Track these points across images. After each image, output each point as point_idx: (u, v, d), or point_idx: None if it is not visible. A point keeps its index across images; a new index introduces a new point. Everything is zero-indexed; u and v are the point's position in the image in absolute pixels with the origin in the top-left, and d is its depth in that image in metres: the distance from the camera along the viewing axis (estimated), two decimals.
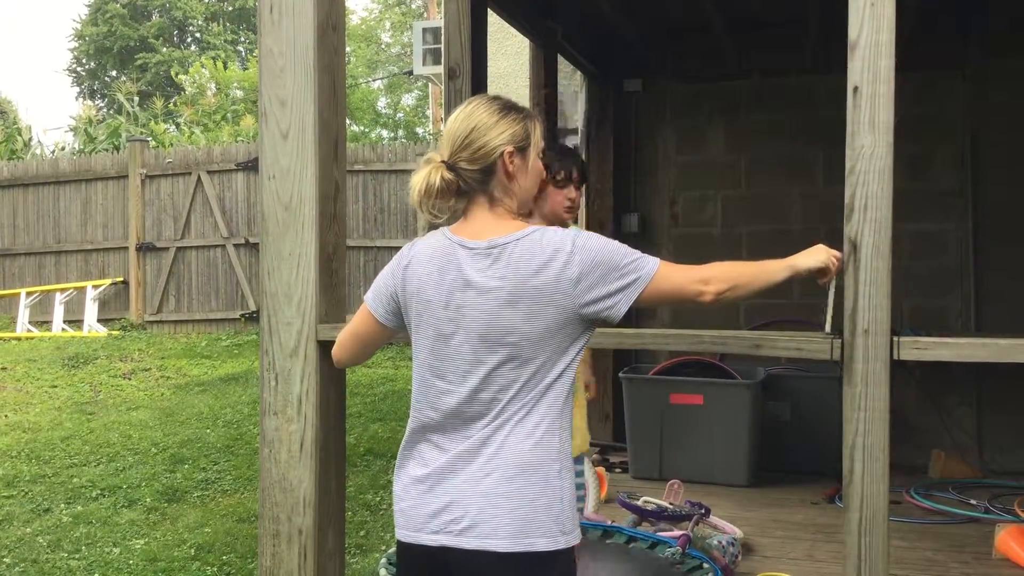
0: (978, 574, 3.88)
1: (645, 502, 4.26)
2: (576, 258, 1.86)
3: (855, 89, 2.14)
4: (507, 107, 2.03)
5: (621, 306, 1.88)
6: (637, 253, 1.92)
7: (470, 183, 1.98)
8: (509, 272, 1.87)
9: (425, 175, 1.97)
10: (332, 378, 2.68)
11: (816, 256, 2.16)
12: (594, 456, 5.72)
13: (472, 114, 1.99)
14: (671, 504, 4.29)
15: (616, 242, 1.92)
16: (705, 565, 3.36)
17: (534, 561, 1.83)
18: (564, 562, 1.88)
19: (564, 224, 3.31)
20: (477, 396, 1.87)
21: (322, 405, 2.63)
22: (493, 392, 1.87)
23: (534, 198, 3.15)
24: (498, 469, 1.84)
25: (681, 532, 3.82)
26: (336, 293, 2.71)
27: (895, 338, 2.12)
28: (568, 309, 1.86)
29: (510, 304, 1.85)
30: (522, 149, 2.00)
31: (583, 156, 6.43)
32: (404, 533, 1.93)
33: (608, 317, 1.89)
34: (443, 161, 1.99)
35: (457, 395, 1.89)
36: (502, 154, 1.97)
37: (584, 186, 3.28)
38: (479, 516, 1.83)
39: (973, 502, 4.80)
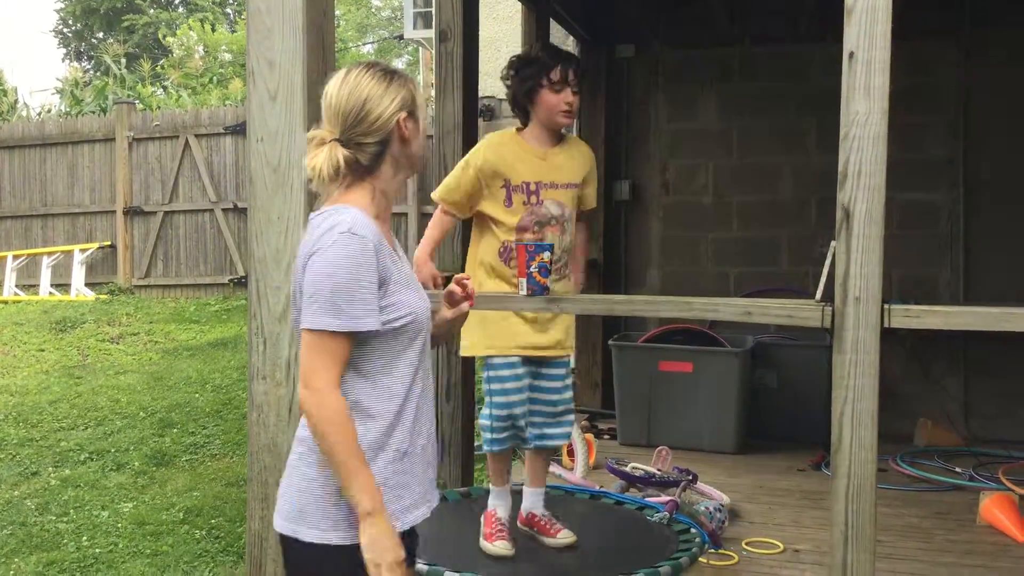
0: (962, 541, 3.92)
1: (633, 468, 4.28)
2: (311, 264, 1.83)
3: (851, 55, 2.12)
4: (388, 72, 1.97)
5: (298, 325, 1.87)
6: (324, 300, 1.79)
7: (366, 157, 1.93)
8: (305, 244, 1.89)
9: (327, 156, 1.89)
10: None
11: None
12: (583, 422, 5.74)
13: (358, 86, 1.92)
14: (659, 470, 4.31)
15: (341, 275, 1.79)
16: (692, 530, 3.38)
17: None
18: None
19: (560, 129, 3.21)
20: None
21: None
22: None
23: (531, 107, 3.10)
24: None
25: (669, 498, 3.84)
26: None
27: (886, 306, 2.12)
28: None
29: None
30: (412, 112, 1.96)
31: (575, 123, 6.39)
32: None
33: None
34: (336, 139, 1.91)
35: None
36: (398, 121, 1.93)
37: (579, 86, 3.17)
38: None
39: (958, 470, 4.84)
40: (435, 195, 3.26)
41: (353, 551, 1.80)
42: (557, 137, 3.23)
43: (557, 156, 3.18)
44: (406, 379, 1.92)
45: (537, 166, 3.14)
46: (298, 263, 1.91)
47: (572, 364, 3.40)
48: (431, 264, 3.24)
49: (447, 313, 2.19)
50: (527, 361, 3.19)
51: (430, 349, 2.05)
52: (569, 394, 3.31)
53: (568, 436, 3.38)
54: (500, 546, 3.19)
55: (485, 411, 3.22)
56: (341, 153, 1.90)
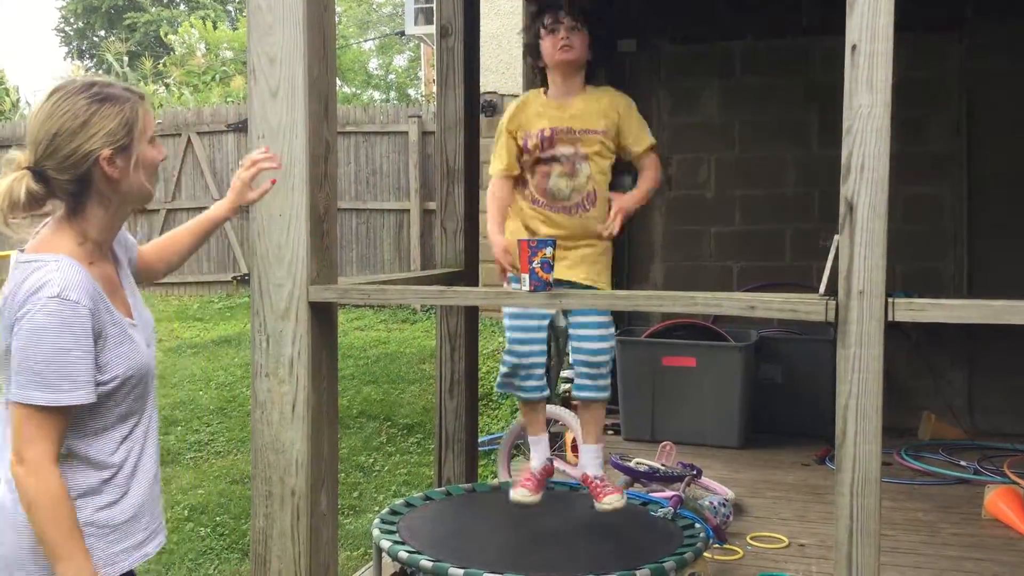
0: (967, 534, 3.91)
1: (637, 463, 4.28)
2: (18, 332, 1.67)
3: (853, 47, 2.11)
4: (99, 98, 1.73)
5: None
6: (33, 372, 1.65)
7: (63, 194, 1.74)
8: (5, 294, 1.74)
9: (8, 186, 1.69)
10: (324, 340, 2.67)
11: None
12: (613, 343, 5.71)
13: (54, 115, 1.69)
14: (663, 465, 4.31)
15: (50, 346, 1.66)
16: (697, 525, 3.37)
17: None
18: None
19: (568, 68, 3.12)
20: None
21: (314, 367, 2.62)
22: None
23: (542, 61, 3.08)
24: None
25: (673, 493, 3.84)
26: (327, 254, 2.68)
27: (890, 299, 2.11)
28: None
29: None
30: (124, 147, 1.75)
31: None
32: None
33: None
34: (29, 167, 1.71)
35: None
36: (98, 160, 1.72)
37: (584, 29, 3.10)
38: None
39: (963, 463, 4.84)
40: (491, 172, 3.25)
41: None
42: (579, 88, 3.18)
43: (576, 105, 3.13)
44: (125, 429, 1.84)
45: (554, 116, 3.12)
46: (4, 317, 1.72)
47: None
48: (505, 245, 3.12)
49: (252, 195, 2.23)
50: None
51: (155, 389, 1.97)
52: (606, 345, 3.13)
53: (607, 393, 3.24)
54: (519, 493, 3.16)
55: (504, 356, 3.20)
56: (28, 185, 1.70)
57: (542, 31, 3.12)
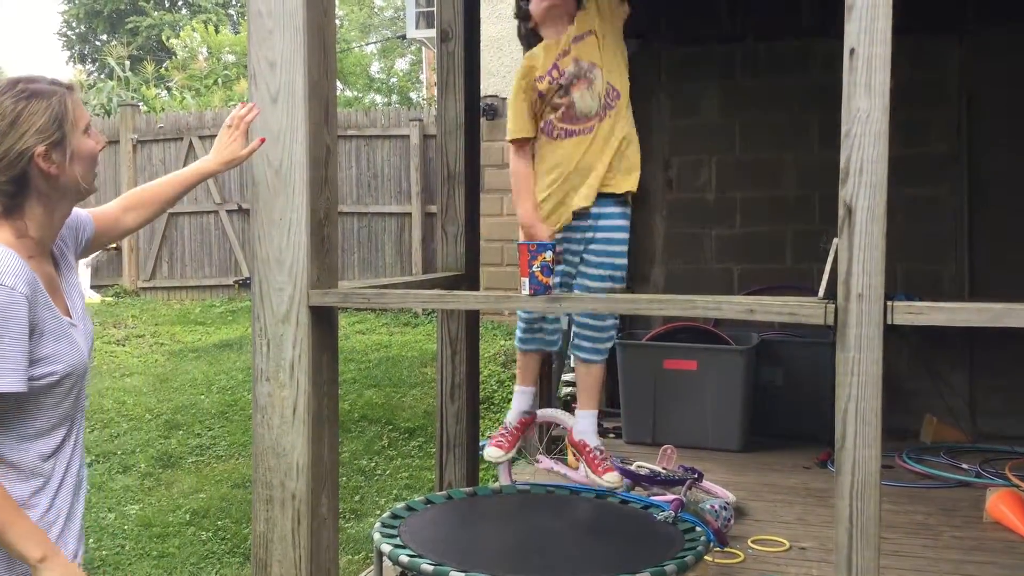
0: (969, 537, 3.91)
1: (638, 467, 4.28)
2: None
3: (851, 51, 2.12)
4: (25, 95, 1.70)
5: None
6: None
7: (2, 195, 1.70)
8: None
9: None
10: (324, 344, 2.67)
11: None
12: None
13: None
14: (664, 469, 4.31)
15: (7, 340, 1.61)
16: (698, 529, 3.37)
17: None
18: None
19: (553, 15, 3.16)
20: None
21: (314, 371, 2.62)
22: None
23: (544, 19, 3.12)
24: None
25: (674, 496, 3.84)
26: (328, 258, 2.69)
27: (889, 303, 2.11)
28: None
29: None
30: (57, 142, 1.72)
31: None
32: None
33: None
34: None
35: None
36: (32, 157, 1.69)
37: None
38: None
39: (964, 466, 4.83)
40: (509, 136, 3.26)
41: None
42: (568, 23, 3.20)
43: (569, 30, 3.17)
44: (59, 433, 1.79)
45: (554, 51, 3.16)
46: None
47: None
48: (542, 224, 3.11)
49: (243, 153, 2.29)
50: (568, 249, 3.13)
51: (86, 393, 1.92)
52: (604, 281, 3.16)
53: (604, 356, 3.22)
54: (491, 452, 3.20)
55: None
56: None
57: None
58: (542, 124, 3.18)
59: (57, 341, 1.74)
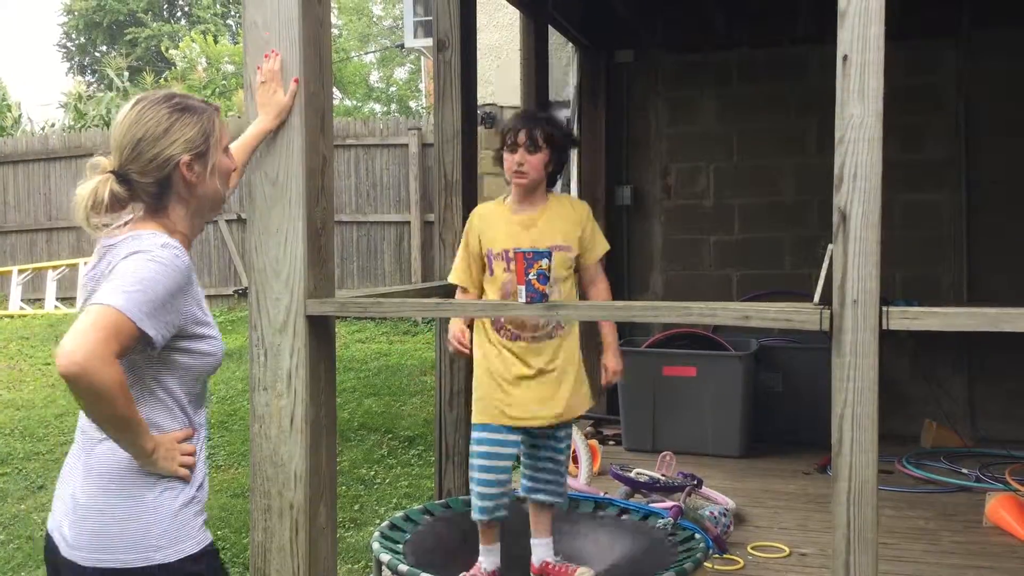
0: (969, 542, 3.91)
1: (638, 474, 4.28)
2: (126, 260, 1.76)
3: (844, 58, 2.12)
4: (180, 108, 1.86)
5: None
6: (127, 284, 1.70)
7: (145, 195, 1.84)
8: (102, 271, 1.80)
9: (93, 188, 1.80)
10: (322, 353, 2.68)
11: None
12: (587, 429, 5.74)
13: (139, 121, 1.82)
14: (663, 476, 4.31)
15: (152, 272, 1.73)
16: (697, 536, 3.37)
17: None
18: None
19: (517, 187, 3.16)
20: None
21: (312, 380, 2.62)
22: None
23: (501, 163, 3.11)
24: None
25: (673, 503, 3.84)
26: (325, 268, 2.69)
27: (884, 308, 2.11)
28: None
29: None
30: (201, 154, 1.87)
31: (575, 128, 6.40)
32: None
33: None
34: (113, 171, 1.83)
35: None
36: (178, 164, 1.84)
37: (546, 150, 3.14)
38: None
39: (964, 471, 4.83)
40: (450, 279, 3.32)
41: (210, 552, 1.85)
42: (540, 200, 3.19)
43: (538, 221, 3.16)
44: (202, 416, 1.96)
45: (516, 233, 3.13)
46: (105, 275, 1.79)
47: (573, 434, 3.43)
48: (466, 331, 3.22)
49: (285, 99, 2.46)
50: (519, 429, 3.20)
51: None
52: (563, 457, 3.29)
53: (558, 498, 3.29)
54: None
55: (471, 474, 3.24)
56: (112, 187, 1.81)
57: (504, 147, 3.16)
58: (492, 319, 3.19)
59: (214, 326, 1.91)
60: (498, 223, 3.18)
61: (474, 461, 3.20)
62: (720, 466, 5.04)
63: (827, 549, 3.69)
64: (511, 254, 3.09)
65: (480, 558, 3.27)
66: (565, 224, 3.18)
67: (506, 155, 3.15)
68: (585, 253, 3.21)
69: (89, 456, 1.82)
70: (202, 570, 1.84)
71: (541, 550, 3.29)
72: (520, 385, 3.14)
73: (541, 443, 3.24)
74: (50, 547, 1.84)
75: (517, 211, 3.20)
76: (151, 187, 1.84)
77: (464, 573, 3.24)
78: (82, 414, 1.84)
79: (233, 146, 2.35)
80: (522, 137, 3.11)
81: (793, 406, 5.48)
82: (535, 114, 3.40)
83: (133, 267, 1.73)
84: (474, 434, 3.21)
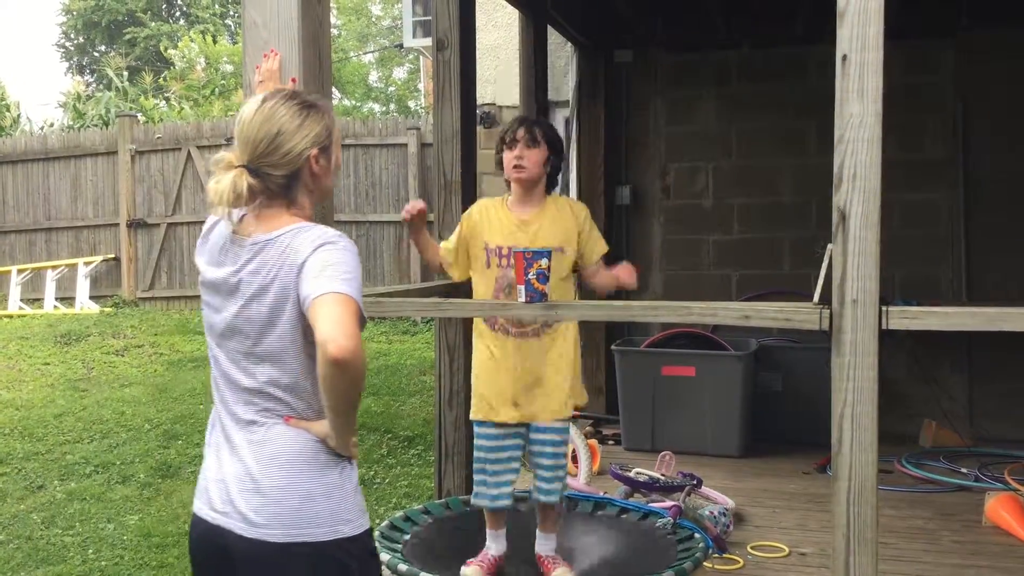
0: (968, 542, 3.91)
1: (637, 473, 4.28)
2: (320, 252, 1.84)
3: (843, 57, 2.13)
4: (306, 105, 1.96)
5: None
6: (345, 274, 1.82)
7: (274, 187, 1.92)
8: (265, 266, 1.88)
9: (231, 182, 1.88)
10: None
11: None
12: (587, 428, 5.74)
13: (272, 117, 1.91)
14: (663, 475, 4.31)
15: (353, 262, 1.86)
16: (697, 535, 3.37)
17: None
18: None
19: (521, 185, 3.19)
20: None
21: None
22: None
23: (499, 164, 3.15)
24: None
25: (673, 503, 3.84)
26: None
27: (884, 307, 2.12)
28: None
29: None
30: (325, 148, 1.97)
31: (574, 127, 6.40)
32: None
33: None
34: (244, 165, 1.91)
35: None
36: (308, 158, 1.93)
37: (542, 146, 3.18)
38: None
39: (963, 471, 4.83)
40: (441, 247, 3.34)
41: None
42: (539, 201, 3.23)
43: (536, 222, 3.19)
44: None
45: (512, 232, 3.18)
46: (283, 270, 1.86)
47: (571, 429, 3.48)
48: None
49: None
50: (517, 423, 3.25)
51: None
52: (562, 456, 3.32)
53: (556, 495, 3.31)
54: (470, 570, 3.23)
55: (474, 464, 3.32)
56: (247, 181, 1.88)
57: (503, 145, 3.21)
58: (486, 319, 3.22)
59: None
60: (497, 220, 3.22)
61: (475, 454, 3.30)
62: (719, 466, 5.03)
63: (827, 548, 3.69)
64: (505, 251, 3.14)
65: (487, 543, 3.32)
66: (563, 225, 3.21)
67: (505, 153, 3.20)
68: (584, 254, 3.24)
69: (265, 438, 1.89)
70: (372, 545, 1.98)
71: (540, 543, 3.34)
72: (511, 381, 3.18)
73: (536, 440, 3.26)
74: (212, 532, 1.89)
75: (516, 211, 3.23)
76: (281, 179, 1.92)
77: (471, 559, 3.27)
78: (228, 398, 1.93)
79: None
80: (521, 133, 3.16)
81: (792, 406, 5.48)
82: (532, 117, 3.47)
83: (333, 257, 1.83)
84: (476, 429, 3.30)
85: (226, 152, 1.94)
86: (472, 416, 3.29)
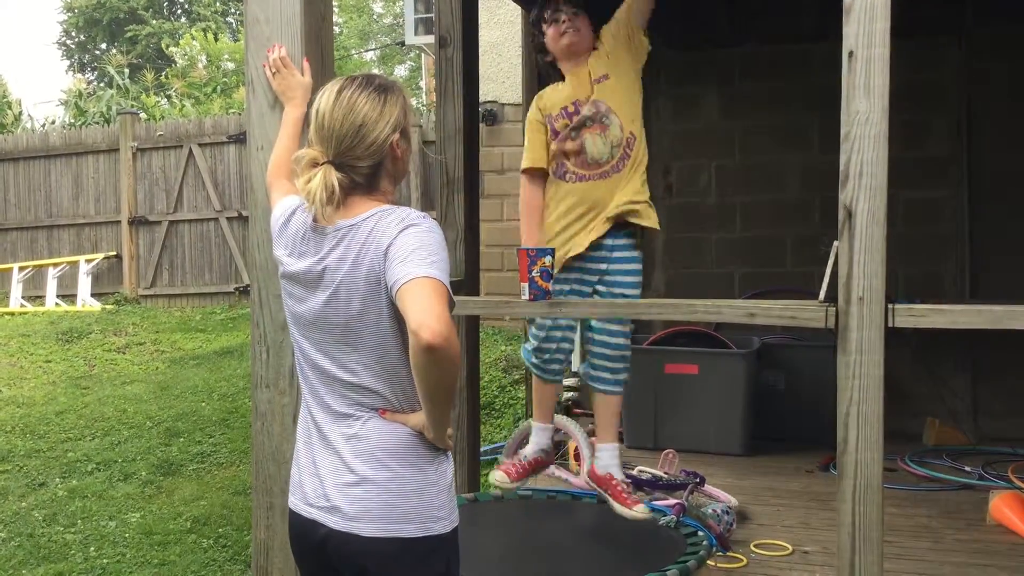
0: (972, 540, 3.90)
1: (640, 471, 4.27)
2: (405, 235, 1.82)
3: (850, 54, 2.12)
4: (383, 89, 1.93)
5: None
6: (433, 257, 1.80)
7: (359, 177, 1.91)
8: (351, 252, 1.86)
9: (322, 180, 1.86)
10: None
11: None
12: (589, 426, 5.73)
13: (353, 109, 1.88)
14: (666, 473, 4.30)
15: (438, 245, 1.84)
16: (700, 533, 3.36)
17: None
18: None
19: (575, 51, 3.16)
20: None
21: None
22: None
23: (552, 56, 3.18)
24: None
25: (676, 501, 3.83)
26: None
27: (890, 305, 2.10)
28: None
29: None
30: (403, 130, 1.96)
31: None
32: None
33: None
34: (329, 161, 1.88)
35: None
36: (391, 144, 1.92)
37: (581, 14, 3.17)
38: None
39: (967, 469, 4.81)
40: (524, 165, 3.26)
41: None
42: (582, 62, 3.21)
43: (584, 69, 3.17)
44: None
45: (573, 90, 3.15)
46: (369, 255, 1.84)
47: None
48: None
49: (307, 80, 2.55)
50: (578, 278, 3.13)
51: None
52: (618, 345, 3.17)
53: (614, 387, 3.21)
54: (498, 476, 3.18)
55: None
56: (335, 176, 1.87)
57: (544, 25, 3.18)
58: (554, 166, 3.17)
59: None
60: (555, 93, 3.18)
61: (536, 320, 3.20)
62: (722, 464, 5.03)
63: (830, 547, 3.68)
64: (570, 108, 3.11)
65: (531, 438, 3.24)
66: (602, 51, 3.18)
67: (550, 28, 3.16)
68: (620, 18, 3.24)
69: (361, 432, 1.87)
70: (457, 543, 1.96)
71: (606, 456, 3.19)
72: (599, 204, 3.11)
73: (596, 328, 3.18)
74: (309, 526, 1.90)
75: (571, 79, 3.18)
76: (366, 169, 1.90)
77: (504, 462, 3.20)
78: (320, 389, 1.91)
79: (286, 140, 2.43)
80: (561, 3, 3.15)
81: (795, 404, 5.47)
82: None
83: (418, 240, 1.81)
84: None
85: (306, 149, 1.92)
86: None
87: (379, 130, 1.89)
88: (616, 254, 3.15)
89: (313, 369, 1.94)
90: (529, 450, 3.24)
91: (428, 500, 1.86)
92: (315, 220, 1.91)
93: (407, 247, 1.79)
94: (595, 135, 3.09)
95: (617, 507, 3.13)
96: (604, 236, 3.11)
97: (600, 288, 3.14)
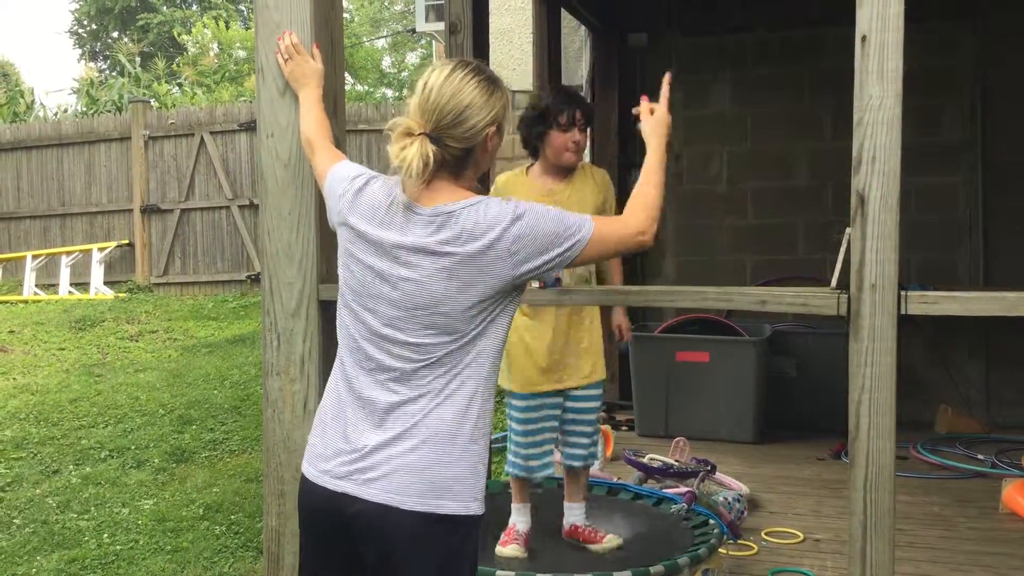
0: (984, 528, 3.88)
1: (651, 459, 4.27)
2: (522, 223, 1.85)
3: (863, 38, 2.09)
4: (492, 81, 1.94)
5: (555, 270, 1.95)
6: (572, 219, 1.92)
7: (450, 158, 1.90)
8: (452, 239, 1.85)
9: (418, 150, 1.85)
10: (335, 338, 2.66)
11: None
12: (600, 414, 5.72)
13: (463, 90, 1.89)
14: (677, 461, 4.30)
15: (554, 211, 1.91)
16: (711, 521, 3.36)
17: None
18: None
19: (569, 166, 3.24)
20: None
21: (325, 365, 2.61)
22: None
23: (541, 146, 3.19)
24: None
25: (687, 489, 3.82)
26: (338, 253, 2.68)
27: (902, 292, 2.09)
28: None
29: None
30: (500, 126, 1.96)
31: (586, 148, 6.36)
32: None
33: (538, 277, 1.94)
34: (426, 133, 1.88)
35: None
36: (487, 135, 1.92)
37: (589, 128, 3.27)
38: None
39: (980, 457, 4.80)
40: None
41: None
42: (566, 172, 3.26)
43: (563, 192, 3.20)
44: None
45: (539, 202, 3.15)
46: (478, 243, 1.84)
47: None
48: None
49: (319, 65, 2.54)
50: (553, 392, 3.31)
51: None
52: (593, 416, 3.40)
53: (592, 459, 3.44)
54: (511, 548, 3.25)
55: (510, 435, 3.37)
56: (431, 148, 1.86)
57: (552, 126, 3.19)
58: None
59: None
60: (524, 192, 3.18)
61: (512, 425, 3.36)
62: (733, 452, 5.02)
63: (841, 535, 3.68)
64: None
65: (512, 518, 3.34)
66: (589, 193, 3.23)
67: (557, 134, 3.18)
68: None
69: (414, 409, 1.87)
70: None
71: (572, 514, 3.38)
72: (540, 364, 3.26)
73: (568, 406, 3.34)
74: (332, 499, 1.88)
75: (540, 181, 3.24)
76: (458, 152, 1.90)
77: (503, 538, 3.30)
78: (371, 362, 1.92)
79: (315, 119, 2.40)
80: (579, 115, 3.18)
81: (807, 392, 5.45)
82: (576, 92, 3.45)
83: (540, 226, 1.87)
84: (508, 400, 3.36)
85: (402, 118, 1.91)
86: (506, 385, 3.30)
87: (481, 117, 1.89)
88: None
89: (370, 341, 1.92)
90: (522, 528, 3.35)
91: (474, 480, 1.86)
92: (404, 192, 1.90)
93: (543, 237, 1.87)
94: (565, 272, 3.10)
95: (592, 547, 3.30)
96: None
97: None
